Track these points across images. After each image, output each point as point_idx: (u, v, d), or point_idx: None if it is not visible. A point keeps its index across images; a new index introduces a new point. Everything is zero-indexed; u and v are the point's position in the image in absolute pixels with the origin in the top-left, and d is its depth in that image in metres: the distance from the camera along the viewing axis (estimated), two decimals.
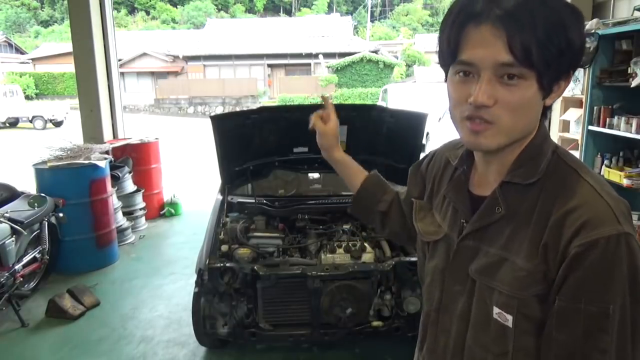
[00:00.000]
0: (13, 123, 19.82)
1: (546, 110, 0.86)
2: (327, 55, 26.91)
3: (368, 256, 2.85)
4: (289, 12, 48.14)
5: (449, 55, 0.81)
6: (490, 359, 0.87)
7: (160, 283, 4.28)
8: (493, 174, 0.90)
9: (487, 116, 0.79)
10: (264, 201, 3.38)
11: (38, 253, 3.90)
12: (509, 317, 0.83)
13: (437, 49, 0.85)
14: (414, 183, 1.15)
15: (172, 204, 6.39)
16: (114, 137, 6.08)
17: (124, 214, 5.35)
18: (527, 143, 0.86)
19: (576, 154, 4.48)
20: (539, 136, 0.86)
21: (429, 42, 31.14)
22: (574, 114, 4.71)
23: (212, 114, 3.74)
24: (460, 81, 0.81)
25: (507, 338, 0.84)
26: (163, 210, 6.34)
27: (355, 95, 23.55)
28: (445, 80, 0.86)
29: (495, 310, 0.85)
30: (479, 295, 0.88)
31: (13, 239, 3.51)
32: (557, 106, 4.97)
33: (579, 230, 0.75)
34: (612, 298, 0.74)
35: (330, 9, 45.75)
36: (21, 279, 3.67)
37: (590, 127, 4.26)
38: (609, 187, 0.82)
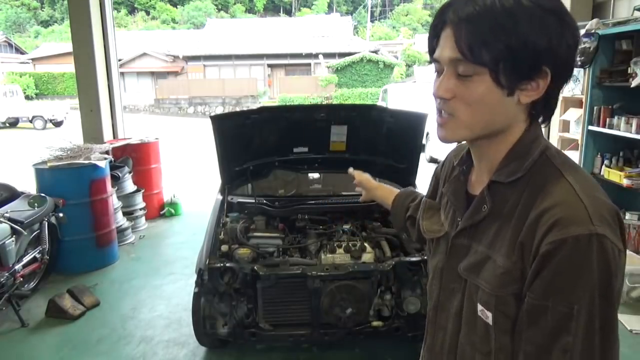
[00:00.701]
0: (13, 123, 19.82)
1: (534, 110, 0.86)
2: (327, 55, 26.91)
3: (368, 256, 2.85)
4: (289, 12, 48.14)
5: (430, 56, 0.90)
6: (478, 357, 0.89)
7: (160, 283, 4.28)
8: (485, 174, 0.92)
9: (447, 109, 0.86)
10: (264, 201, 3.38)
11: (38, 253, 3.90)
12: (489, 315, 0.85)
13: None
14: (431, 184, 1.19)
15: (172, 204, 6.39)
16: (114, 137, 6.09)
17: (124, 214, 5.35)
18: (515, 141, 0.87)
19: (576, 154, 4.48)
20: (527, 136, 0.87)
21: None
22: (574, 114, 4.72)
23: (212, 114, 3.74)
24: (435, 78, 0.89)
25: (490, 336, 0.86)
26: (163, 210, 6.34)
27: (355, 95, 23.55)
28: None
29: (479, 307, 0.87)
30: (468, 293, 0.90)
31: (13, 239, 3.51)
32: (557, 106, 4.97)
33: (551, 228, 0.76)
34: (577, 299, 0.74)
35: (330, 9, 45.75)
36: (21, 279, 3.67)
37: (590, 127, 4.27)
38: (594, 188, 0.82)
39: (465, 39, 0.80)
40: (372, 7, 42.76)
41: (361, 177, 1.64)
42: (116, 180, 5.17)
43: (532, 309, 0.79)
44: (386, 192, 1.54)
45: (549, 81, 0.82)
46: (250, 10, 48.40)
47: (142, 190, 5.75)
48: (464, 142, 1.05)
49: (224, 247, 2.85)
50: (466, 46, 0.80)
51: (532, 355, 0.79)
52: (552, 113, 0.90)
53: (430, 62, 0.92)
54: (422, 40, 33.69)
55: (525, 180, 0.85)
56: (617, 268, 0.75)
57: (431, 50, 0.89)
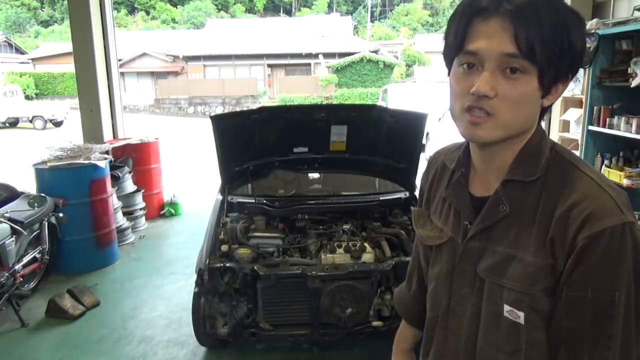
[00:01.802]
0: (13, 123, 19.80)
1: (544, 112, 0.88)
2: (327, 55, 26.89)
3: (368, 256, 2.85)
4: (289, 12, 48.13)
5: (454, 47, 0.83)
6: (502, 358, 0.88)
7: (160, 283, 4.28)
8: (494, 174, 0.91)
9: (487, 107, 0.80)
10: (264, 201, 3.37)
11: (38, 253, 3.90)
12: (521, 314, 0.84)
13: (444, 43, 0.87)
14: (420, 196, 1.16)
15: (172, 204, 6.39)
16: (114, 137, 6.08)
17: (124, 214, 5.35)
18: (525, 141, 0.88)
19: (576, 154, 4.48)
20: (536, 135, 0.88)
21: (429, 42, 31.12)
22: (574, 114, 4.71)
23: (212, 114, 3.74)
24: (463, 73, 0.83)
25: (519, 335, 0.85)
26: (163, 210, 6.34)
27: (355, 95, 23.53)
28: (449, 75, 0.87)
29: (506, 308, 0.86)
30: (488, 295, 0.88)
31: (13, 239, 3.51)
32: (557, 106, 4.97)
33: (584, 222, 0.77)
34: (618, 285, 0.77)
35: (330, 9, 45.73)
36: (21, 279, 3.67)
37: (590, 127, 4.26)
38: (608, 179, 0.85)
39: (527, 34, 0.76)
40: (372, 7, 42.76)
41: None
42: (116, 180, 5.17)
43: (571, 302, 0.80)
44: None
45: (567, 85, 0.84)
46: (250, 10, 48.39)
47: (142, 190, 5.75)
48: (453, 144, 1.04)
49: (224, 247, 2.86)
50: (526, 42, 0.76)
51: (576, 347, 0.80)
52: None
53: (450, 56, 0.85)
54: (422, 40, 33.71)
55: (542, 177, 0.86)
56: None
57: (458, 42, 0.82)
